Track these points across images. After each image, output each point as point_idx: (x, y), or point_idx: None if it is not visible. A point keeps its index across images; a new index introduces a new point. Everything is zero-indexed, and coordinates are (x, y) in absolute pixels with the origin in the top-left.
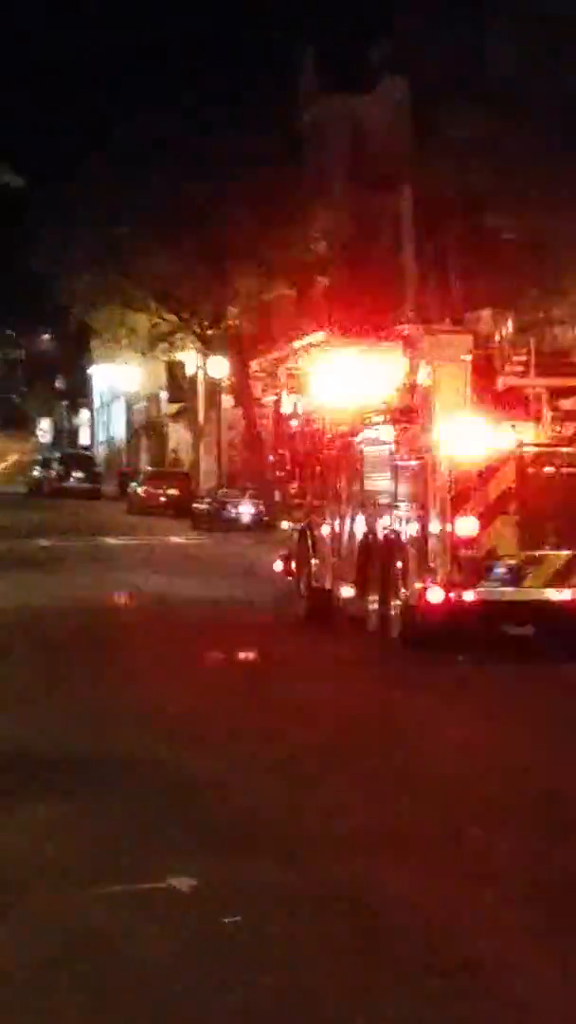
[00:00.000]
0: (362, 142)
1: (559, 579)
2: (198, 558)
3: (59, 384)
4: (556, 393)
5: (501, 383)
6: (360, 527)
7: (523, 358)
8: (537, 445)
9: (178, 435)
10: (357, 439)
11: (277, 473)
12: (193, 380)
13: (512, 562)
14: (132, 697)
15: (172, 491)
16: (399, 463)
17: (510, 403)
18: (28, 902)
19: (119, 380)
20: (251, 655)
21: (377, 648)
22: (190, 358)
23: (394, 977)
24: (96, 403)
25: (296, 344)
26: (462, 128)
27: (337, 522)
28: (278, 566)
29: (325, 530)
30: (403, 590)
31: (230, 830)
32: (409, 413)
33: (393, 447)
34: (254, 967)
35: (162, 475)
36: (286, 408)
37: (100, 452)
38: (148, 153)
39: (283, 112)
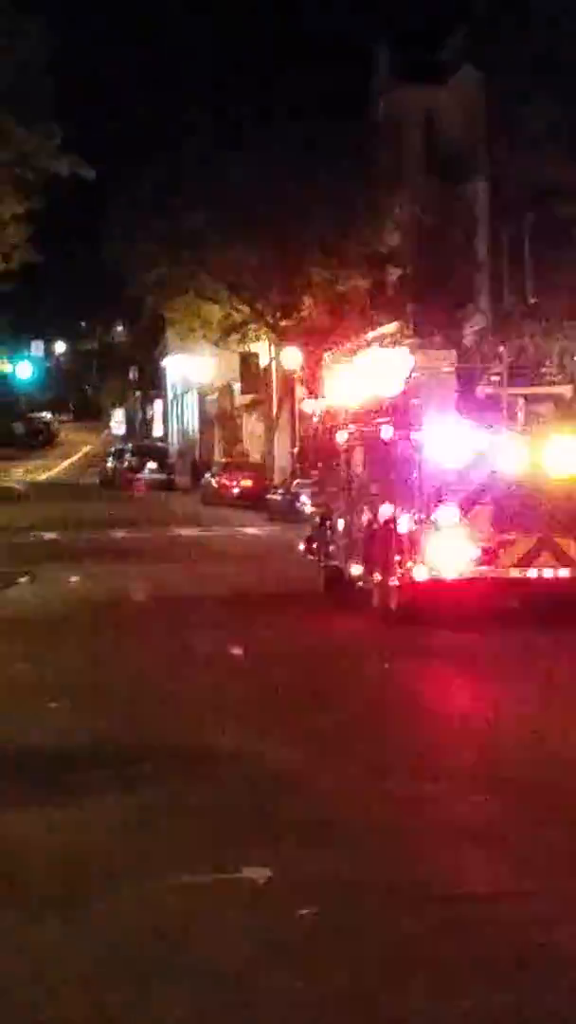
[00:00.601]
0: (437, 133)
1: (528, 560)
2: (268, 546)
3: (132, 375)
4: (530, 399)
5: (480, 391)
6: (365, 514)
7: (499, 369)
8: (511, 446)
9: (251, 426)
10: (362, 437)
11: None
12: (266, 371)
13: (487, 545)
14: (198, 683)
15: (246, 482)
16: (394, 459)
17: (489, 408)
18: (104, 894)
19: (192, 371)
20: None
21: (379, 618)
22: (263, 349)
23: (471, 972)
24: (169, 394)
25: (370, 335)
26: (537, 118)
27: (348, 509)
28: (302, 547)
29: (339, 516)
30: (398, 569)
31: (306, 820)
32: (402, 416)
33: (390, 445)
34: (328, 960)
35: (236, 466)
36: (307, 407)
37: (173, 443)
38: (222, 143)
39: (358, 103)
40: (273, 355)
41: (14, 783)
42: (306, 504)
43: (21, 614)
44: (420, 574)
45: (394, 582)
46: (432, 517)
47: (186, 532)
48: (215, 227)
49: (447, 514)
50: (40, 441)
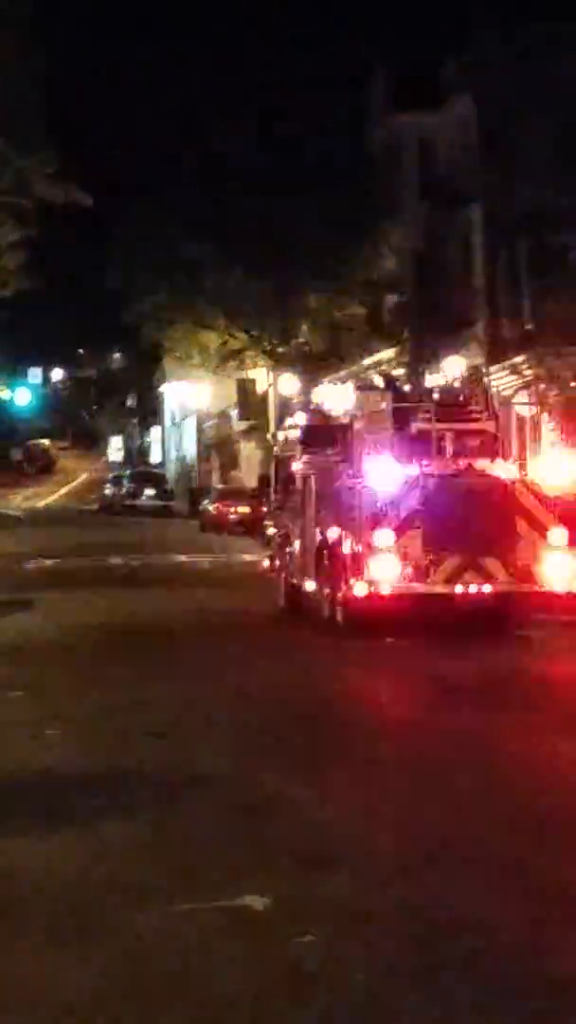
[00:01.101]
0: (432, 159)
1: (454, 577)
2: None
3: (130, 402)
4: (458, 434)
5: (413, 427)
6: (317, 536)
7: (429, 408)
8: (437, 475)
9: (249, 452)
10: (313, 465)
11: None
12: (264, 397)
13: (418, 564)
14: (195, 708)
15: (243, 508)
16: (338, 487)
17: (421, 442)
18: (103, 922)
19: (190, 398)
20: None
21: (326, 630)
22: (261, 375)
23: (472, 1001)
24: (167, 421)
25: (366, 361)
26: (531, 145)
27: (302, 532)
28: (266, 563)
29: (295, 538)
30: (343, 585)
31: (303, 847)
32: (344, 448)
33: (335, 474)
34: (326, 987)
35: (233, 492)
36: (273, 437)
37: (171, 470)
38: (219, 171)
39: (354, 130)
40: (270, 381)
41: (11, 812)
42: (269, 526)
43: (18, 641)
44: (360, 590)
45: (340, 597)
46: (370, 540)
47: (183, 558)
48: (213, 254)
49: (382, 537)
50: (38, 468)
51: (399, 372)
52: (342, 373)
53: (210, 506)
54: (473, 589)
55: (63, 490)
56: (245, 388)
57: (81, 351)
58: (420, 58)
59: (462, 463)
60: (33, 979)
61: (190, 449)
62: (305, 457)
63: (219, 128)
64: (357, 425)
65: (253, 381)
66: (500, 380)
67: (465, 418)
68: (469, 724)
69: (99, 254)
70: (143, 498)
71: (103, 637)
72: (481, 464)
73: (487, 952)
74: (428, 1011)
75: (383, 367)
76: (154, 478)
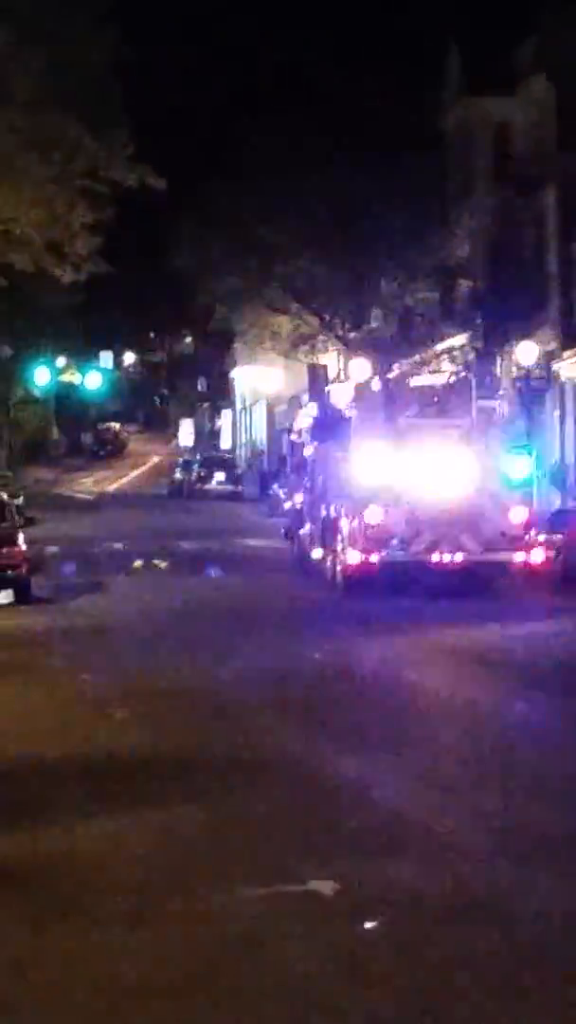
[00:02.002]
0: (506, 144)
1: (432, 547)
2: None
3: (201, 386)
4: (437, 428)
5: (401, 422)
6: (321, 512)
7: (415, 406)
8: (420, 462)
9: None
10: (319, 449)
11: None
12: (335, 382)
13: (402, 536)
14: (258, 687)
15: None
16: (339, 471)
17: (407, 434)
18: (171, 906)
19: (261, 382)
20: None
21: (331, 590)
22: (332, 360)
23: (537, 990)
24: (238, 405)
25: (438, 347)
26: None
27: (311, 507)
28: (283, 531)
29: (306, 512)
30: (341, 554)
31: (371, 832)
32: (344, 437)
33: (336, 458)
34: (392, 973)
35: None
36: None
37: (241, 454)
38: (291, 154)
39: (428, 114)
40: (342, 366)
41: (83, 794)
42: (285, 503)
43: (89, 624)
44: (354, 558)
45: (338, 564)
46: (362, 516)
47: (252, 543)
48: (285, 238)
49: (373, 514)
50: (109, 451)
51: (471, 357)
52: (415, 358)
53: (280, 491)
54: (447, 558)
55: (133, 474)
56: (316, 373)
57: (153, 335)
58: (494, 40)
59: (441, 452)
60: (98, 961)
61: (260, 434)
62: (314, 443)
63: (290, 110)
64: (355, 419)
65: (324, 366)
66: (575, 366)
67: (444, 413)
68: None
69: (172, 238)
70: (213, 482)
71: (172, 620)
72: (457, 453)
73: (562, 943)
74: (495, 1002)
75: (455, 352)
76: (224, 463)
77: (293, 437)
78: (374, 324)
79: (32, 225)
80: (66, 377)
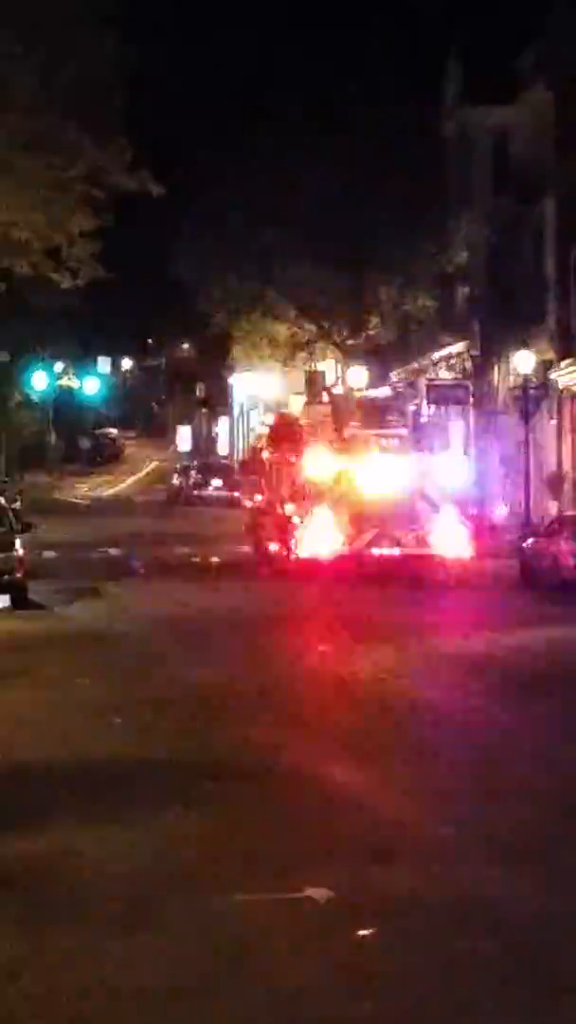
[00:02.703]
0: (505, 152)
1: (372, 543)
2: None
3: (199, 392)
4: (380, 437)
5: (347, 432)
6: (277, 510)
7: (359, 417)
8: (362, 468)
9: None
10: (275, 455)
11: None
12: (332, 389)
13: (346, 533)
14: (254, 691)
15: None
16: (291, 474)
17: (353, 443)
18: (168, 911)
19: (259, 388)
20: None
21: (287, 582)
22: (330, 367)
23: (534, 997)
24: (235, 411)
25: (436, 355)
26: None
27: (268, 506)
28: (244, 531)
29: (264, 511)
30: (293, 549)
31: (366, 839)
32: (297, 445)
33: (289, 464)
34: (387, 980)
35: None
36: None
37: (239, 460)
38: (290, 161)
39: (427, 122)
40: (339, 373)
41: (78, 799)
42: (246, 502)
43: (84, 628)
44: (304, 551)
45: (291, 557)
46: (312, 515)
47: (247, 549)
48: (283, 244)
49: (320, 513)
50: (106, 457)
51: (468, 366)
52: (412, 365)
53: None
54: (386, 552)
55: (131, 479)
56: (314, 380)
57: (150, 340)
58: (495, 48)
59: (382, 459)
60: (94, 965)
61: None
62: (271, 448)
63: (289, 117)
64: (307, 428)
65: (322, 373)
66: (571, 375)
67: (385, 424)
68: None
69: (169, 243)
70: (210, 488)
71: (166, 625)
72: (395, 459)
73: (555, 946)
74: (491, 1006)
75: (453, 360)
76: (221, 469)
77: (252, 442)
78: (372, 331)
79: (31, 229)
80: (64, 382)
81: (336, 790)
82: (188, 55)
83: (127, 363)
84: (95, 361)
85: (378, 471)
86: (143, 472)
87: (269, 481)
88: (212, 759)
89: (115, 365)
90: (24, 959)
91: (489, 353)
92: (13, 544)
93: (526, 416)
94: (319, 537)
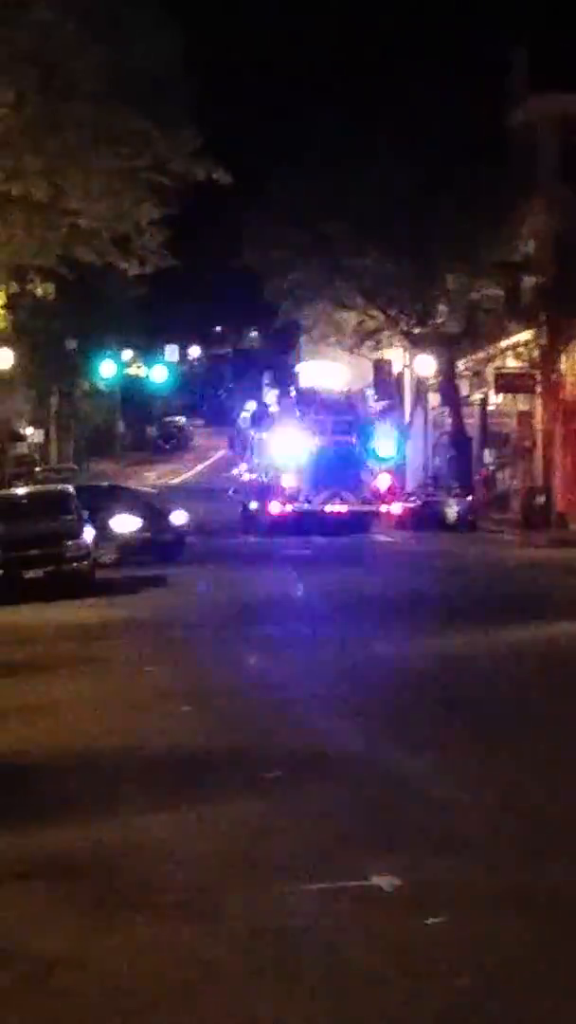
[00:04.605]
0: (571, 140)
1: (326, 501)
2: (387, 552)
3: (266, 380)
4: (334, 422)
5: (309, 416)
6: (256, 477)
7: (317, 405)
8: (320, 445)
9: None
10: (257, 436)
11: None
12: (400, 378)
13: (306, 494)
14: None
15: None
16: (267, 447)
17: (313, 426)
18: (232, 899)
19: (326, 377)
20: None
21: (262, 533)
22: (397, 356)
23: None
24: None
25: (503, 344)
26: None
27: (251, 474)
28: (231, 493)
29: (250, 477)
30: (267, 506)
31: (434, 827)
32: (270, 424)
33: (267, 441)
34: (455, 969)
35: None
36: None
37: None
38: (357, 150)
39: (494, 110)
40: (407, 362)
41: (147, 787)
42: (236, 471)
43: (151, 617)
44: (275, 508)
45: (265, 512)
46: (280, 480)
47: (316, 539)
48: (351, 233)
49: (288, 477)
50: (173, 445)
51: (535, 354)
52: (480, 354)
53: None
54: (338, 509)
55: (198, 468)
56: (381, 368)
57: (218, 329)
58: (561, 36)
59: (334, 439)
60: (159, 954)
61: None
62: (253, 430)
63: (356, 105)
64: (277, 414)
65: (389, 362)
66: None
67: (339, 412)
68: None
69: (238, 232)
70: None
71: (233, 613)
72: (344, 439)
73: None
74: (559, 1002)
75: (520, 349)
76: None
77: (239, 424)
78: (439, 320)
79: (98, 219)
80: (132, 370)
81: (405, 778)
82: (258, 46)
83: (195, 351)
84: (163, 349)
85: (331, 447)
86: (210, 460)
87: (250, 455)
88: (279, 747)
89: (183, 353)
90: (89, 948)
91: (557, 341)
92: (80, 532)
93: None
94: (286, 497)
